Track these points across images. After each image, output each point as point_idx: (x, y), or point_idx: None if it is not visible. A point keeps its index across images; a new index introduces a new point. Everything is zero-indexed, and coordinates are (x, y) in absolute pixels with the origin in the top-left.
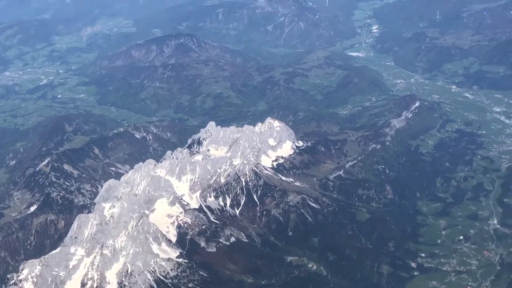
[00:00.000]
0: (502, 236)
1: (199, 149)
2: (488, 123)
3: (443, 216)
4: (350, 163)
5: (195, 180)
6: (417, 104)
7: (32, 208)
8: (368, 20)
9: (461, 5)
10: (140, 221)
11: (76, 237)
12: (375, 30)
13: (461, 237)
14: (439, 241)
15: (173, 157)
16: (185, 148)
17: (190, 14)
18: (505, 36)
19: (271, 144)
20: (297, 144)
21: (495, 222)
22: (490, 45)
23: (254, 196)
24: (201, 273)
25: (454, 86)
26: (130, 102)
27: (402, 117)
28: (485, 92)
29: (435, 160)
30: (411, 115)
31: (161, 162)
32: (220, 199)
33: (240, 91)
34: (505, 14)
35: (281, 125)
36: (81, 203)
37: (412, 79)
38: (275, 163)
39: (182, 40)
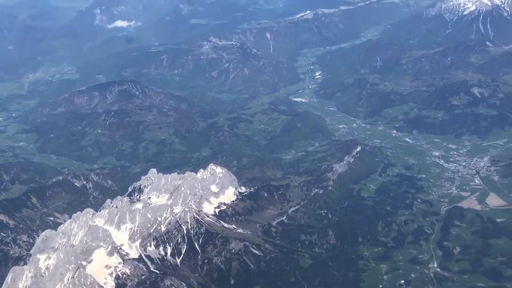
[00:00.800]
0: (442, 280)
1: (139, 197)
2: (427, 167)
3: (384, 261)
4: (293, 209)
5: (135, 229)
6: (358, 148)
7: None
8: (312, 67)
9: (401, 52)
10: (77, 273)
11: None
12: (318, 76)
13: (402, 281)
14: (380, 286)
15: (112, 206)
16: (125, 196)
17: (134, 60)
18: (442, 81)
19: (213, 191)
20: (240, 190)
21: (435, 265)
22: (429, 91)
23: (196, 244)
24: None
25: (394, 131)
26: (71, 150)
27: (344, 162)
28: (424, 137)
29: (377, 204)
30: (352, 159)
31: (100, 211)
32: (161, 248)
33: (184, 137)
34: (442, 60)
35: (223, 171)
36: (17, 254)
37: (354, 124)
38: (217, 210)
39: (125, 87)
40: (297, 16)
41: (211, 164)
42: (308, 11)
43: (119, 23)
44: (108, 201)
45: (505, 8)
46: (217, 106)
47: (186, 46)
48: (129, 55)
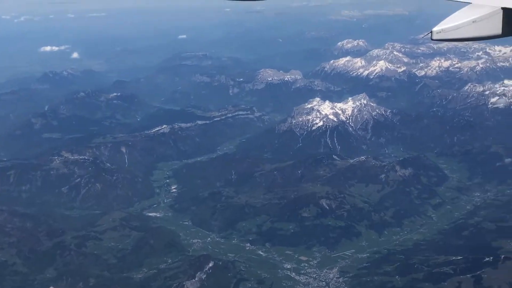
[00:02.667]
0: None
1: None
2: (279, 280)
3: None
4: None
5: None
6: (211, 264)
7: None
8: (168, 180)
9: (255, 165)
10: None
11: None
12: (174, 190)
13: None
14: None
15: None
16: None
17: None
18: (293, 194)
19: None
20: None
21: None
22: (281, 203)
23: None
24: None
25: (248, 244)
26: None
27: (196, 279)
28: (277, 249)
29: None
30: (205, 276)
31: None
32: None
33: (27, 258)
34: (293, 173)
35: None
36: None
37: (209, 238)
38: None
39: None
40: (154, 130)
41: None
42: (165, 125)
43: None
44: None
45: (350, 123)
46: (66, 224)
47: (36, 161)
48: None
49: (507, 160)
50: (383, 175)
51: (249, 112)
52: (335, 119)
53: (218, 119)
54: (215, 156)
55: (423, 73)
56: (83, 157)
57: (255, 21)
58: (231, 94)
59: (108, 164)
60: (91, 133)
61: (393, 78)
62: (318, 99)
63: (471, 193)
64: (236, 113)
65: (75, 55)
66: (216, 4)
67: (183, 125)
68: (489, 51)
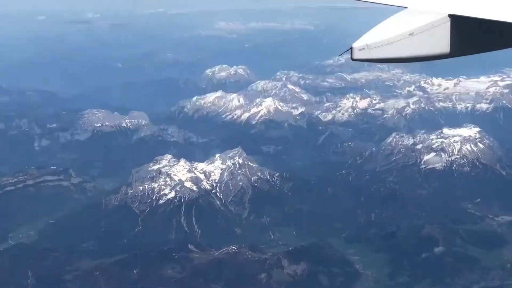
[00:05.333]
0: None
1: None
2: None
3: None
4: None
5: None
6: None
7: None
8: None
9: (66, 262)
10: None
11: None
12: None
13: None
14: None
15: None
16: None
17: None
18: None
19: None
20: None
21: None
22: None
23: None
24: None
25: None
26: None
27: None
28: None
29: None
30: None
31: None
32: None
33: None
34: (125, 274)
35: None
36: None
37: None
38: None
39: None
40: None
41: None
42: None
43: None
44: None
45: (217, 194)
46: None
47: None
48: None
49: (437, 249)
50: (263, 275)
51: (62, 176)
52: (194, 187)
53: (13, 188)
54: (3, 248)
55: (329, 117)
56: None
57: (82, 36)
58: (36, 148)
59: None
60: None
61: (285, 125)
62: (170, 156)
63: None
64: (42, 179)
65: None
66: (24, 10)
67: None
68: (425, 85)
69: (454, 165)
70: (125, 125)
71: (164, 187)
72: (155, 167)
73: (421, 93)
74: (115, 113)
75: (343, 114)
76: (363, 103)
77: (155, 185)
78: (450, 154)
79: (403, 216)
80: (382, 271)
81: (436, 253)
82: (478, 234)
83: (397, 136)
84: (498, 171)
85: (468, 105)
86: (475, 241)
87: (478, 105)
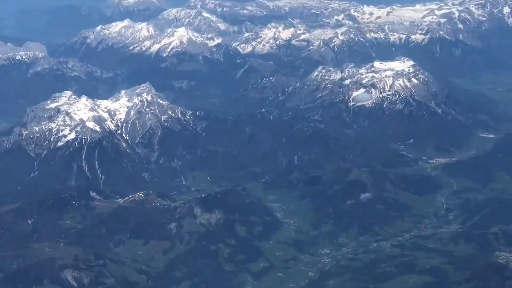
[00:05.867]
0: None
1: None
2: None
3: None
4: None
5: None
6: None
7: None
8: None
9: None
10: None
11: None
12: None
13: None
14: None
15: None
16: None
17: None
18: (16, 262)
19: None
20: None
21: None
22: None
23: None
24: None
25: None
26: None
27: None
28: None
29: None
30: None
31: None
32: None
33: None
34: (19, 225)
35: None
36: None
37: None
38: None
39: None
40: None
41: None
42: None
43: None
44: None
45: (123, 135)
46: None
47: None
48: None
49: (365, 195)
50: (173, 225)
51: None
52: (97, 128)
53: None
54: None
55: (249, 49)
56: None
57: None
58: None
59: None
60: None
61: (200, 57)
62: (70, 93)
63: (317, 250)
64: None
65: None
66: None
67: None
68: (355, 13)
69: (386, 102)
70: (20, 58)
71: (64, 128)
72: (53, 105)
73: (350, 23)
74: (8, 44)
75: (264, 45)
76: (286, 34)
77: (53, 125)
78: (381, 90)
79: (328, 159)
80: (305, 220)
81: (364, 200)
82: (410, 178)
83: (324, 70)
84: (433, 108)
85: (402, 36)
86: (407, 186)
87: (413, 36)
